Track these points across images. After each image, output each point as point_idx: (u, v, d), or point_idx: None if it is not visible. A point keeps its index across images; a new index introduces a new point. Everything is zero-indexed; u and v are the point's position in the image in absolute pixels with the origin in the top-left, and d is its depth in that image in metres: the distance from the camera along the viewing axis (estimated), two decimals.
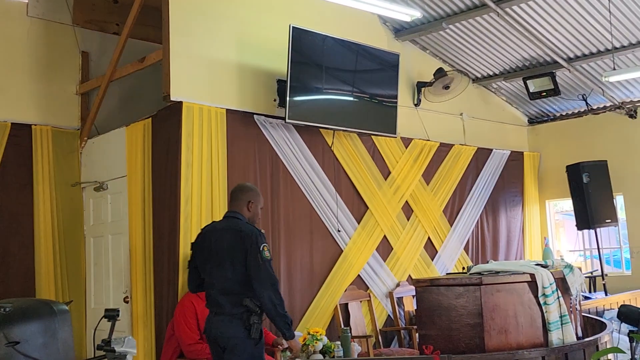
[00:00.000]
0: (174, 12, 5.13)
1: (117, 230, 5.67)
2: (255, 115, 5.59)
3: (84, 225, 6.03)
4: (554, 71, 7.41)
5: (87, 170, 6.03)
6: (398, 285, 6.58)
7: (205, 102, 5.22)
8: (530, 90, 7.64)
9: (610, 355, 3.66)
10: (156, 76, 5.32)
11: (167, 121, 5.21)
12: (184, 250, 4.94)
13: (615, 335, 5.00)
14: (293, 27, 5.43)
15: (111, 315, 2.41)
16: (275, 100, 5.74)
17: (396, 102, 6.36)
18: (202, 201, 5.10)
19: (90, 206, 6.03)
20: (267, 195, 5.60)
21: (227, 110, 5.37)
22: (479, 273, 3.82)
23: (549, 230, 8.77)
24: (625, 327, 5.15)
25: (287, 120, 5.48)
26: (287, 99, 5.45)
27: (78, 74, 6.13)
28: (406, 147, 6.98)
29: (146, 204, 5.32)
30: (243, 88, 5.55)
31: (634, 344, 4.64)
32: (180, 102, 5.06)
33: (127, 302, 5.45)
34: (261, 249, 3.75)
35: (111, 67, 5.64)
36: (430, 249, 7.11)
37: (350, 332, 5.49)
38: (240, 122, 5.48)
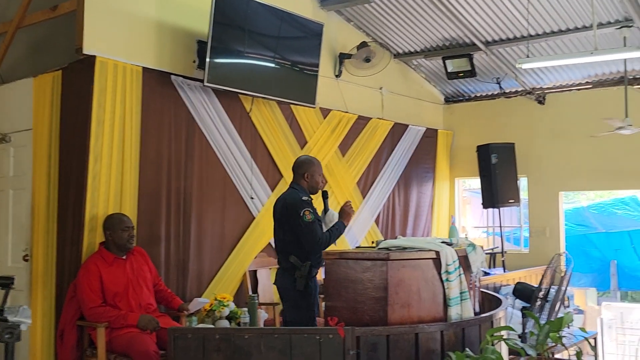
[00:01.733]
0: None
1: (20, 185, 5.41)
2: (172, 76, 5.42)
3: None
4: (472, 53, 7.60)
5: None
6: None
7: (120, 58, 5.01)
8: (449, 70, 7.81)
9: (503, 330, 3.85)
10: (69, 27, 5.04)
11: (78, 75, 4.98)
12: (91, 210, 4.79)
13: (510, 310, 5.27)
14: None
15: (5, 283, 2.29)
16: (194, 61, 5.59)
17: (317, 72, 6.35)
18: (113, 161, 4.93)
19: None
20: (181, 158, 5.50)
21: (144, 68, 5.18)
22: (387, 248, 3.90)
23: (457, 207, 9.08)
24: (520, 303, 5.45)
25: (205, 83, 5.36)
26: (207, 60, 5.31)
27: None
28: (324, 118, 7.00)
29: (52, 160, 5.09)
30: (161, 47, 5.37)
31: (526, 319, 4.93)
32: (94, 57, 4.84)
33: (26, 260, 5.24)
34: (302, 214, 4.37)
35: (19, 13, 5.32)
36: None
37: (258, 299, 5.52)
38: (156, 82, 5.31)
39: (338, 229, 4.57)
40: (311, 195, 4.64)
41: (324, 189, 4.78)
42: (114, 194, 4.93)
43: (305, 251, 4.43)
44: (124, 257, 4.68)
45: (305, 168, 4.65)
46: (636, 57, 6.86)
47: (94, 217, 4.80)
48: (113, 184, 4.93)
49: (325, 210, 4.72)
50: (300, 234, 4.41)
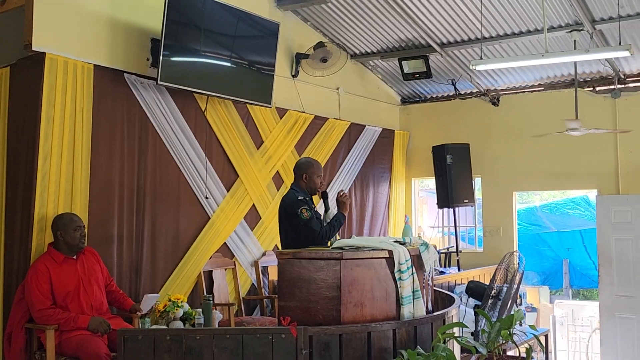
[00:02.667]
0: None
1: None
2: (125, 74, 5.34)
3: None
4: (427, 55, 7.68)
5: None
6: (264, 254, 6.63)
7: (71, 55, 4.92)
8: (405, 71, 7.88)
9: (456, 328, 3.90)
10: (18, 22, 4.92)
11: (27, 72, 4.86)
12: (40, 210, 4.68)
13: (463, 308, 5.34)
14: None
15: None
16: (148, 59, 5.51)
17: (273, 71, 6.33)
18: (63, 160, 4.83)
19: None
20: (134, 157, 5.42)
21: (95, 66, 5.09)
22: (341, 248, 3.92)
23: (413, 207, 9.17)
24: (473, 301, 5.52)
25: (159, 82, 5.29)
26: (160, 58, 5.25)
27: None
28: (281, 118, 6.99)
29: (0, 159, 4.97)
30: (114, 44, 5.28)
31: (478, 317, 5.00)
32: (43, 53, 4.73)
33: None
34: (299, 212, 4.62)
35: None
36: None
37: (213, 300, 5.48)
38: (108, 80, 5.22)
39: (338, 220, 4.82)
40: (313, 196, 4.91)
41: (324, 190, 5.02)
42: (64, 194, 4.83)
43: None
44: (75, 257, 4.59)
45: (303, 170, 4.91)
46: (586, 60, 7.04)
47: (43, 217, 4.69)
48: (63, 183, 4.83)
49: (326, 209, 4.94)
50: (301, 231, 4.64)
